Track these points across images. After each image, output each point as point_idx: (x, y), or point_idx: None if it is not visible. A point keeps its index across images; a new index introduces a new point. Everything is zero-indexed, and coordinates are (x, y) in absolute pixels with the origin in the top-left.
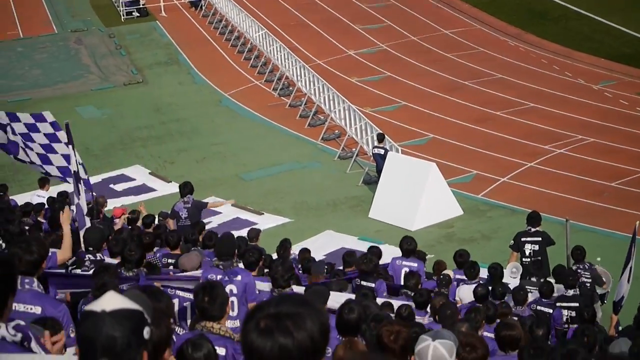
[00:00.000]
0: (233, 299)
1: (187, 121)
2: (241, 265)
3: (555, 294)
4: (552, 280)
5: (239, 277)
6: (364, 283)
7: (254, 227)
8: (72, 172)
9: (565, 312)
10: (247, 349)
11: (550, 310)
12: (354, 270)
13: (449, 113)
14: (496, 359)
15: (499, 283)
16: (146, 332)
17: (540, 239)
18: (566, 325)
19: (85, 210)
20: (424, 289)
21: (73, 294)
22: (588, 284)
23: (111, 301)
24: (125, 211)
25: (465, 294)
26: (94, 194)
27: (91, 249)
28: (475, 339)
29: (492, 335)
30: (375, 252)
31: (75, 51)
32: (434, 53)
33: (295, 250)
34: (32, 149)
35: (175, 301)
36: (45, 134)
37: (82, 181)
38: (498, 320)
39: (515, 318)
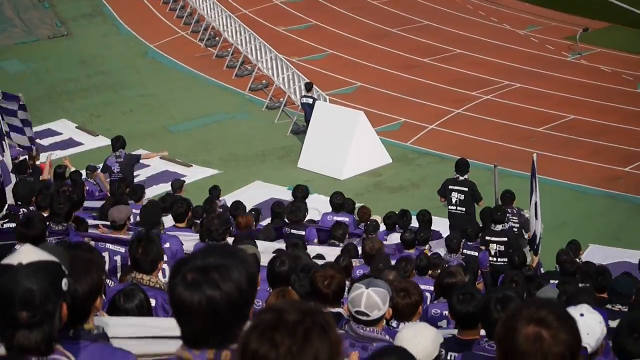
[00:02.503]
0: (164, 266)
1: (113, 73)
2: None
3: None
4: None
5: (167, 244)
6: (293, 231)
7: (177, 178)
8: None
9: (493, 246)
10: (174, 302)
11: (476, 253)
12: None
13: (376, 61)
14: (437, 305)
15: (425, 230)
16: (64, 284)
17: (466, 189)
18: (494, 259)
19: (10, 166)
20: (351, 245)
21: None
22: (516, 229)
23: (27, 254)
24: (50, 165)
25: (392, 239)
26: (34, 146)
27: (20, 203)
28: (410, 285)
29: (424, 286)
30: (302, 195)
31: None
32: (360, 0)
33: (227, 202)
34: None
35: (105, 254)
36: None
37: (5, 138)
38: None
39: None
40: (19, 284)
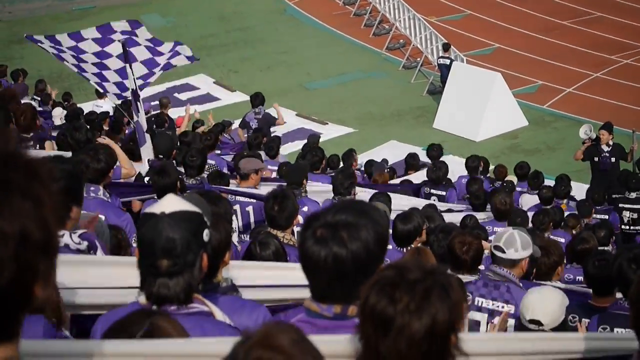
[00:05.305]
0: (297, 229)
1: (251, 30)
2: (309, 195)
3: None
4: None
5: (305, 208)
6: (433, 191)
7: (313, 134)
8: (131, 90)
9: (627, 213)
10: (302, 256)
11: (606, 216)
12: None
13: (515, 22)
14: (570, 270)
15: (565, 184)
16: (206, 235)
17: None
18: (627, 227)
19: (145, 127)
20: (481, 192)
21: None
22: None
23: (170, 204)
24: (189, 119)
25: (527, 203)
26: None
27: (161, 156)
28: (551, 244)
29: (558, 238)
30: (437, 154)
31: None
32: None
33: (361, 160)
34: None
35: (237, 207)
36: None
37: (140, 97)
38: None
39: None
40: (161, 233)
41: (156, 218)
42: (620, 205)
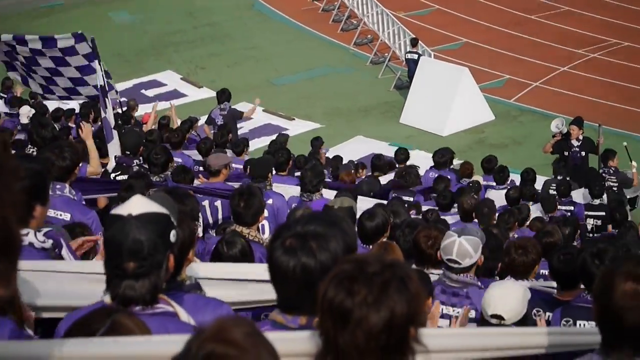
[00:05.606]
0: (264, 222)
1: (219, 25)
2: (274, 187)
3: (581, 200)
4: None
5: (270, 201)
6: (402, 197)
7: (282, 132)
8: (99, 86)
9: (590, 220)
10: (271, 266)
11: (571, 208)
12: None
13: (482, 17)
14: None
15: (530, 187)
16: (172, 235)
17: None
18: (592, 235)
19: (112, 123)
20: (448, 191)
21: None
22: (615, 188)
23: (137, 205)
24: (156, 116)
25: (493, 198)
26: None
27: (128, 152)
28: (530, 243)
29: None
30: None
31: None
32: None
33: (328, 154)
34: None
35: (205, 203)
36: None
37: (108, 94)
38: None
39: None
40: (128, 235)
41: (123, 220)
42: (585, 212)
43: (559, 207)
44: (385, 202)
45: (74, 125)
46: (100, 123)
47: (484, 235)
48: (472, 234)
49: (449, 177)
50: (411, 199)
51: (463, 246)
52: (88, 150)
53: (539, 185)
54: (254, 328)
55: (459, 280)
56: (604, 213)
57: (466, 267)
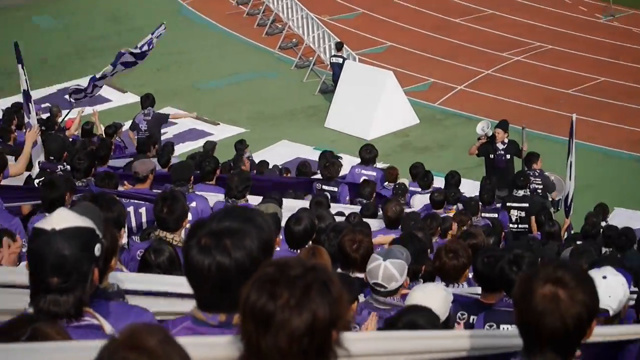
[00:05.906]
0: (188, 226)
1: (143, 31)
2: (198, 191)
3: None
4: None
5: (194, 204)
6: (325, 187)
7: (209, 139)
8: (22, 90)
9: (514, 212)
10: (187, 265)
11: (495, 215)
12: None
13: (407, 20)
14: None
15: (455, 190)
16: (97, 249)
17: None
18: (515, 226)
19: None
20: (371, 203)
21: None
22: (539, 191)
23: (61, 219)
24: (80, 121)
25: (417, 203)
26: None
27: (52, 158)
28: (460, 247)
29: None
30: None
31: None
32: None
33: (254, 158)
34: None
35: (130, 209)
36: None
37: (31, 99)
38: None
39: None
40: (51, 250)
41: (47, 235)
42: (508, 204)
43: (483, 214)
44: (309, 197)
45: None
46: (24, 129)
47: (409, 256)
48: (398, 257)
49: (375, 173)
50: (335, 189)
51: (389, 270)
52: (23, 150)
53: (462, 188)
54: (167, 335)
55: (386, 302)
56: (527, 205)
57: (392, 290)
